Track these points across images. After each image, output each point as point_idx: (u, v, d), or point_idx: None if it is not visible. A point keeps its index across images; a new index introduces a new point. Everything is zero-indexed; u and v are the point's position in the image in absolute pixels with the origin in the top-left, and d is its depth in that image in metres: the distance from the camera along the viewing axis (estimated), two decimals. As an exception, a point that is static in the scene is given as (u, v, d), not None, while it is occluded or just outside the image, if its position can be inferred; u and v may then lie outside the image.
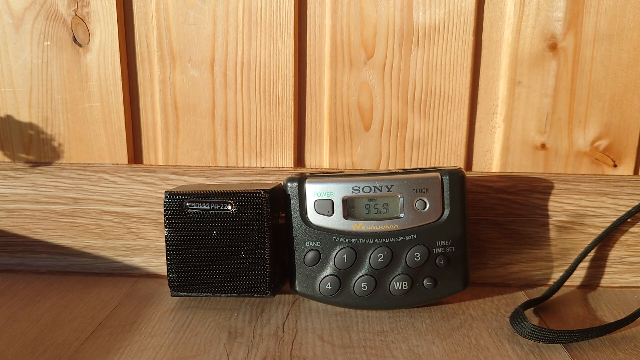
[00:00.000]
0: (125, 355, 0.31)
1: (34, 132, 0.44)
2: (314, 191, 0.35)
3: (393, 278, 0.35)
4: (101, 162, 0.44)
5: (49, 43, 0.42)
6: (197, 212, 0.35)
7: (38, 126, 0.43)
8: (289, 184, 0.35)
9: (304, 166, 0.44)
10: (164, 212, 0.35)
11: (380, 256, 0.34)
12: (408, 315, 0.35)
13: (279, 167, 0.43)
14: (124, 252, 0.43)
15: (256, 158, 0.43)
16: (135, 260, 0.43)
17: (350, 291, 0.35)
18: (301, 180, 0.35)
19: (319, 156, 0.43)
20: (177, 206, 0.35)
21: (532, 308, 0.37)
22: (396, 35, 0.40)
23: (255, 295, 0.35)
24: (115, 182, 0.42)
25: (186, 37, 0.41)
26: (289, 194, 0.35)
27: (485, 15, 0.40)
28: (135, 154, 0.44)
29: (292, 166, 0.43)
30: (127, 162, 0.43)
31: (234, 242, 0.35)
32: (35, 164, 0.43)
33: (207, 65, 0.42)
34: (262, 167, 0.43)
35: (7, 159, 0.44)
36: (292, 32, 0.41)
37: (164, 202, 0.35)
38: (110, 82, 0.42)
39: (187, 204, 0.35)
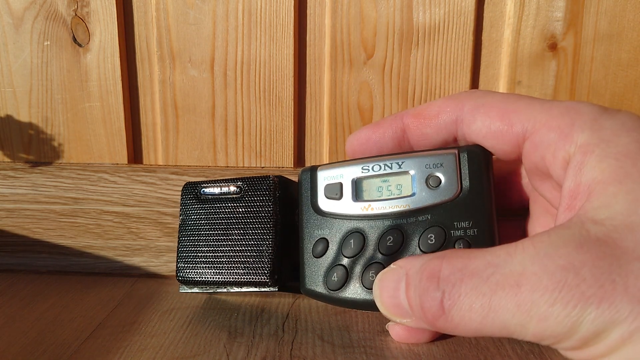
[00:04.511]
0: (125, 355, 0.31)
1: (34, 132, 0.44)
2: (324, 176, 0.33)
3: None
4: (101, 162, 0.44)
5: (48, 43, 0.42)
6: (209, 198, 0.34)
7: (38, 126, 0.43)
8: (302, 175, 0.34)
9: (304, 166, 0.44)
10: (181, 200, 0.35)
11: (390, 239, 0.31)
12: (408, 315, 0.35)
13: (279, 167, 0.43)
14: (124, 252, 0.43)
15: (256, 158, 0.43)
16: (135, 260, 0.43)
17: (358, 284, 0.31)
18: (313, 169, 0.33)
19: (319, 156, 0.43)
20: (192, 194, 0.35)
21: None
22: (396, 35, 0.40)
23: (261, 288, 0.34)
24: (115, 182, 0.42)
25: (186, 37, 0.41)
26: (302, 184, 0.33)
27: (485, 15, 0.40)
28: (135, 154, 0.44)
29: (292, 166, 0.43)
30: (127, 162, 0.43)
31: (242, 228, 0.33)
32: (35, 164, 0.43)
33: (207, 65, 0.42)
34: (262, 167, 0.43)
35: (7, 159, 0.44)
36: (292, 32, 0.41)
37: (181, 192, 0.35)
38: (110, 82, 0.42)
39: (202, 191, 0.35)
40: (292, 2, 0.40)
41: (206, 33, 0.41)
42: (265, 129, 0.43)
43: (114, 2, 0.41)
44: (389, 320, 0.34)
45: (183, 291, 0.36)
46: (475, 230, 0.30)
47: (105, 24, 0.41)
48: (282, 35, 0.41)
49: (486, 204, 0.30)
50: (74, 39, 0.42)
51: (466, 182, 0.30)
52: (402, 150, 0.32)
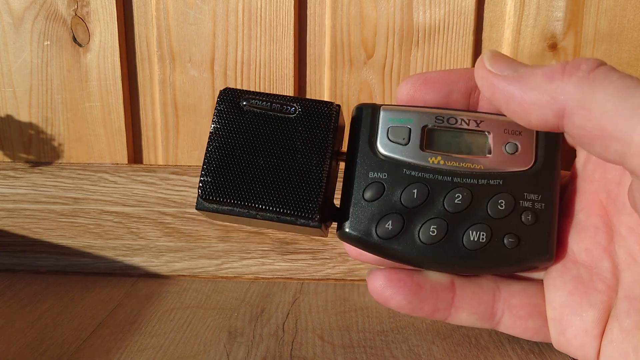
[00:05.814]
0: (125, 355, 0.31)
1: (34, 132, 0.44)
2: (389, 117, 0.30)
3: (469, 226, 0.29)
4: (101, 162, 0.44)
5: (48, 43, 0.42)
6: (253, 111, 0.30)
7: (38, 126, 0.43)
8: (362, 111, 0.31)
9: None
10: (216, 106, 0.30)
11: (458, 197, 0.29)
12: (408, 315, 0.35)
13: (279, 167, 0.43)
14: (124, 252, 0.43)
15: (256, 158, 0.43)
16: (135, 260, 0.43)
17: (414, 236, 0.29)
18: (375, 107, 0.31)
19: (319, 156, 0.43)
20: (232, 102, 0.30)
21: None
22: (396, 35, 0.40)
23: (301, 221, 0.29)
24: (115, 182, 0.42)
25: (186, 37, 0.41)
26: (358, 120, 0.31)
27: (485, 15, 0.40)
28: (135, 154, 0.44)
29: (292, 166, 0.43)
30: (127, 162, 0.43)
31: (288, 151, 0.29)
32: (35, 163, 0.43)
33: (207, 65, 0.42)
34: (262, 167, 0.43)
35: (7, 159, 0.44)
36: (292, 32, 0.41)
37: (218, 97, 0.30)
38: (110, 82, 0.42)
39: (244, 102, 0.30)
40: (292, 2, 0.40)
41: (206, 33, 0.41)
42: (265, 129, 0.43)
43: (114, 2, 0.41)
44: (389, 320, 0.34)
45: (201, 209, 0.29)
46: (543, 205, 0.29)
47: (105, 24, 0.41)
48: (282, 35, 0.41)
49: (556, 180, 0.30)
50: (74, 39, 0.42)
51: (541, 156, 0.30)
52: (471, 101, 0.30)
